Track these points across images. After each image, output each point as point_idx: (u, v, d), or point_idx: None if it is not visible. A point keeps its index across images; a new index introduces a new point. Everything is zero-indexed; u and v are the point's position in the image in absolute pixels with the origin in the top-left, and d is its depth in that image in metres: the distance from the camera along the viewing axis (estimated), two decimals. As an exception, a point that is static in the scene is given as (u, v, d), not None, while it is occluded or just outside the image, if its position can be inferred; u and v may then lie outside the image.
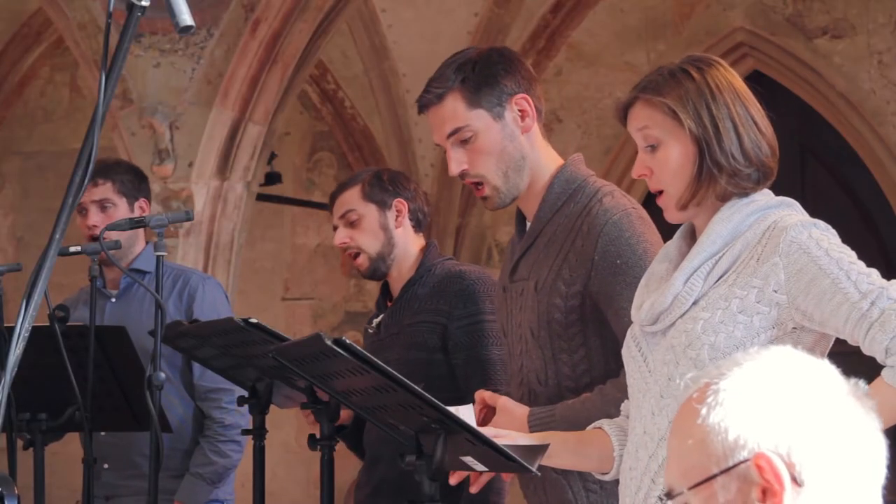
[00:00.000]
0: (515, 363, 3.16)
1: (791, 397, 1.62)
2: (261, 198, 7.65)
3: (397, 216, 4.01)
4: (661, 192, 2.68)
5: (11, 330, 1.98)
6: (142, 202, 4.49)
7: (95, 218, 4.36)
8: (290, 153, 9.84)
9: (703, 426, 1.62)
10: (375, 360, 2.61)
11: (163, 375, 3.71)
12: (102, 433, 4.27)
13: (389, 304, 4.05)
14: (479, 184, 3.16)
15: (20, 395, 3.73)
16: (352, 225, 4.01)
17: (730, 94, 2.63)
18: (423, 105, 3.19)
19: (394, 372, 2.61)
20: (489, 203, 3.19)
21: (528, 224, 3.20)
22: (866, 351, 2.46)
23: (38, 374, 3.82)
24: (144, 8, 2.05)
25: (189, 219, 4.03)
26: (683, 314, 2.60)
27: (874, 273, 2.48)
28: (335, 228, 4.07)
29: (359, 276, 10.40)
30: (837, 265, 2.47)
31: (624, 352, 2.75)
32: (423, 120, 10.29)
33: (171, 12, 2.06)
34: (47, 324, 3.78)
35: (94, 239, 4.23)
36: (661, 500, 1.66)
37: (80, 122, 9.90)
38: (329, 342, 2.59)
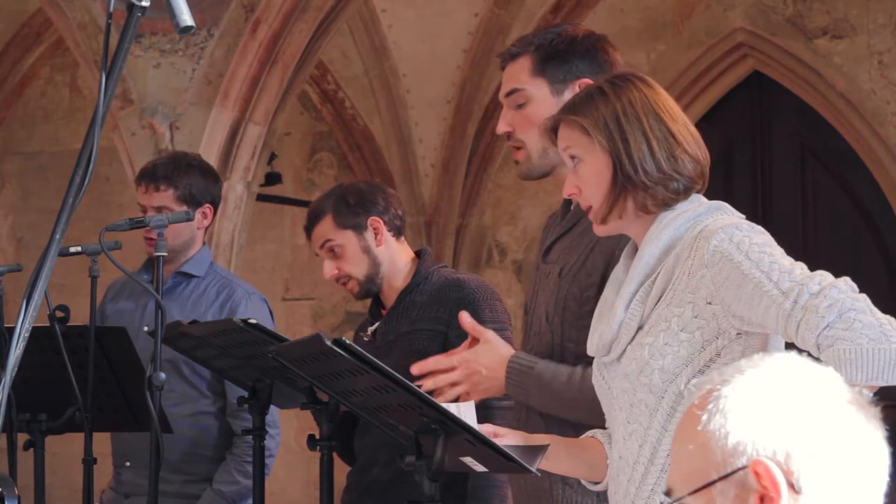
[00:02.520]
0: (529, 343, 3.18)
1: (791, 404, 1.63)
2: (261, 198, 7.65)
3: (376, 235, 3.98)
4: (590, 208, 2.74)
5: (11, 330, 1.98)
6: (205, 208, 4.38)
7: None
8: (290, 153, 9.85)
9: (704, 432, 1.64)
10: (375, 360, 2.62)
11: (163, 376, 3.69)
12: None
13: (384, 311, 4.04)
14: (518, 148, 3.19)
15: (20, 395, 3.72)
16: (334, 254, 3.99)
17: (643, 108, 2.68)
18: (501, 60, 3.25)
19: (394, 372, 2.61)
20: (519, 169, 3.22)
21: (573, 208, 3.22)
22: (801, 347, 2.44)
23: (38, 374, 3.82)
24: (144, 8, 2.05)
25: (189, 219, 4.02)
26: (631, 341, 2.64)
27: (797, 268, 2.46)
28: (317, 254, 4.06)
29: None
30: (758, 267, 2.47)
31: (594, 381, 2.79)
32: (422, 120, 10.32)
33: (171, 12, 2.06)
34: (47, 324, 3.78)
35: (151, 243, 4.18)
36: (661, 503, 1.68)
37: (81, 123, 9.91)
38: (329, 343, 2.60)
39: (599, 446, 2.79)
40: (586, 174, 2.71)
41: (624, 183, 2.66)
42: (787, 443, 1.60)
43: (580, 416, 2.96)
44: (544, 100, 3.15)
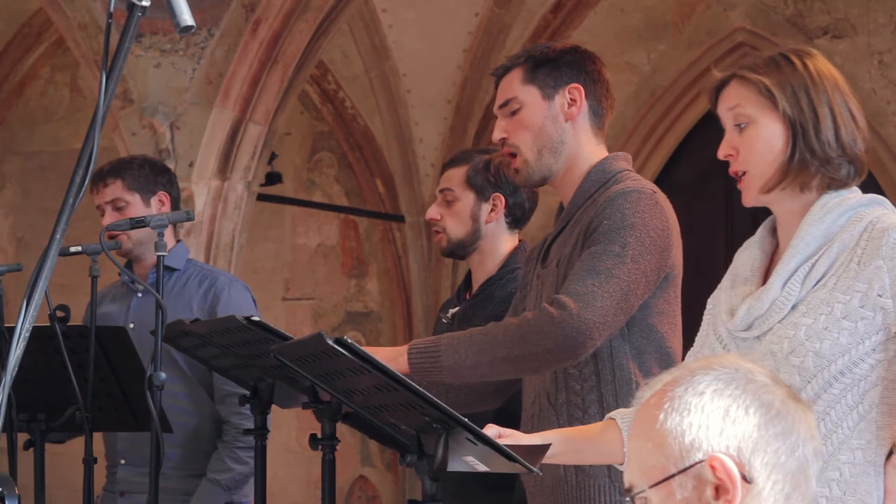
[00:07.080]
0: None
1: (737, 402, 1.81)
2: (261, 198, 7.65)
3: (491, 210, 3.95)
4: (743, 174, 2.64)
5: (11, 330, 1.97)
6: (160, 196, 4.42)
7: (109, 219, 4.31)
8: (290, 153, 9.84)
9: (661, 430, 1.81)
10: (376, 359, 2.61)
11: (163, 375, 3.69)
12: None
13: (468, 295, 4.02)
14: (513, 155, 3.28)
15: (20, 394, 3.72)
16: (447, 203, 3.98)
17: (830, 83, 2.60)
18: (495, 76, 3.36)
19: (395, 371, 2.61)
20: (518, 176, 3.30)
21: (564, 209, 3.31)
22: None
23: (38, 374, 3.82)
24: (145, 8, 2.04)
25: (189, 219, 4.02)
26: (782, 319, 2.57)
27: None
28: (436, 194, 4.06)
29: (359, 276, 10.40)
30: None
31: (706, 352, 2.72)
32: (423, 120, 10.31)
33: (171, 12, 2.06)
34: (48, 324, 3.78)
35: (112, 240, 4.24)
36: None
37: (81, 122, 9.90)
38: (331, 341, 2.60)
39: (616, 432, 2.72)
40: (757, 138, 2.60)
41: (804, 155, 2.57)
42: (737, 438, 1.79)
43: (508, 351, 2.99)
44: (535, 104, 3.25)
